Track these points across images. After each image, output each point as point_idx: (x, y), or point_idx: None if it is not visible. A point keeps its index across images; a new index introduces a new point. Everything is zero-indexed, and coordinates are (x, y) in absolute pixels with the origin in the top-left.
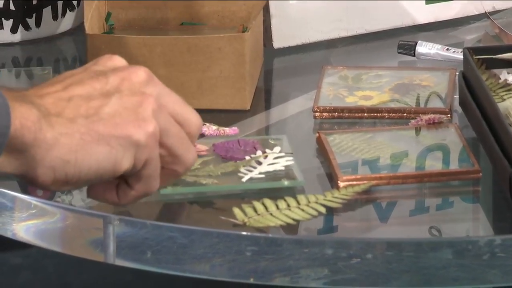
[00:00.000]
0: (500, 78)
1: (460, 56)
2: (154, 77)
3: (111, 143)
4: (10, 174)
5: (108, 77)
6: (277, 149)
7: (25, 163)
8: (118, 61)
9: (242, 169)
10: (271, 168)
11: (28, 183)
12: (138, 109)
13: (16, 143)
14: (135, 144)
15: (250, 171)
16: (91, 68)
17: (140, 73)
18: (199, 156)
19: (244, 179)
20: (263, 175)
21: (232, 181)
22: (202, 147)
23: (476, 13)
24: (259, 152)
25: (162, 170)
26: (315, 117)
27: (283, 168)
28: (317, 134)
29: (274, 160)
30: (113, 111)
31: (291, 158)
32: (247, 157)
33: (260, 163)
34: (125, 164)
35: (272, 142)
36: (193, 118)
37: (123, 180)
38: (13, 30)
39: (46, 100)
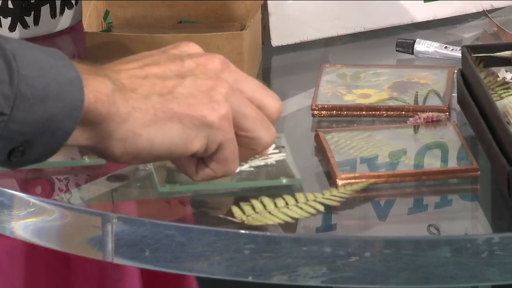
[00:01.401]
0: (499, 76)
1: (458, 54)
2: (230, 64)
3: (184, 121)
4: (81, 146)
5: (184, 60)
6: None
7: (97, 135)
8: (195, 48)
9: None
10: (262, 163)
11: (98, 155)
12: (211, 92)
13: (89, 116)
14: (208, 125)
15: (241, 165)
16: (169, 51)
17: (216, 61)
18: None
19: None
20: (253, 169)
21: (229, 178)
22: None
23: (475, 11)
24: None
25: (240, 149)
26: (313, 115)
27: (274, 162)
28: (315, 132)
29: (267, 155)
30: (187, 92)
31: (283, 154)
32: None
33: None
34: (197, 144)
35: None
36: (272, 102)
37: (201, 159)
38: (11, 28)
39: (121, 75)
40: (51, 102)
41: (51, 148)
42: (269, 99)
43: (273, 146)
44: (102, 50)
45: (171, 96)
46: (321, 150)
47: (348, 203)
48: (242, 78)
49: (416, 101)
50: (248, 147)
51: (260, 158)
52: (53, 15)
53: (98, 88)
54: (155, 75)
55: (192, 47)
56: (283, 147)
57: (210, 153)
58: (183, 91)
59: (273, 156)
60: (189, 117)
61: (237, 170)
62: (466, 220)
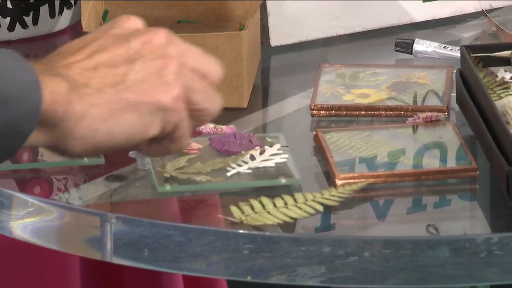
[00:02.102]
0: (497, 76)
1: (457, 54)
2: (174, 37)
3: (139, 109)
4: (41, 146)
5: (130, 41)
6: (276, 146)
7: (55, 136)
8: (135, 22)
9: (232, 164)
10: (261, 165)
11: (57, 153)
12: (162, 72)
13: (47, 117)
14: (163, 109)
15: (240, 165)
16: (110, 31)
17: (161, 35)
18: (188, 154)
19: (229, 174)
20: (250, 171)
21: (229, 178)
22: (195, 145)
23: (474, 11)
24: (256, 147)
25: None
26: (312, 115)
27: (273, 165)
28: (314, 132)
29: (269, 157)
30: (138, 78)
31: (285, 156)
32: (243, 151)
33: (254, 158)
34: (154, 129)
35: (269, 140)
36: (213, 69)
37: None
38: (10, 28)
39: (73, 70)
40: (11, 105)
41: (8, 151)
42: (212, 67)
43: (278, 146)
44: None
45: (123, 85)
46: (320, 150)
47: (347, 203)
48: (185, 49)
49: (415, 101)
50: (197, 118)
51: (260, 160)
52: (52, 15)
53: (54, 89)
54: (104, 64)
55: (133, 22)
56: (287, 146)
57: (166, 134)
58: (134, 76)
59: (275, 158)
60: (144, 104)
61: (235, 172)
62: (465, 220)
